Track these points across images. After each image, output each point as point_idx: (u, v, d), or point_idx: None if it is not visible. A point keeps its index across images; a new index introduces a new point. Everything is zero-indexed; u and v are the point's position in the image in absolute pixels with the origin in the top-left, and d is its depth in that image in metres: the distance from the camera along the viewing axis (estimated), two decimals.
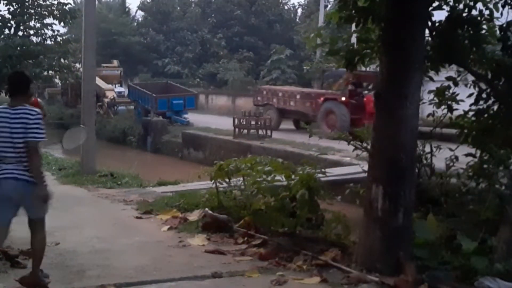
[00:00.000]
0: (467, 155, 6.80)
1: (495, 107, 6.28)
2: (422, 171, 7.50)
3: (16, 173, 4.41)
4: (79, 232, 6.74)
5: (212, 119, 26.87)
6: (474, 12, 6.03)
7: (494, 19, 6.08)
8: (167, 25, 45.30)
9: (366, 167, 5.54)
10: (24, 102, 4.53)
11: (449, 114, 7.13)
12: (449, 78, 6.57)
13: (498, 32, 6.08)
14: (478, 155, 6.62)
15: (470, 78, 6.43)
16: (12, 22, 21.65)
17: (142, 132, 25.45)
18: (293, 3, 72.18)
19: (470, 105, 6.46)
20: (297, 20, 46.19)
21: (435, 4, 5.98)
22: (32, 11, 21.90)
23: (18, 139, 4.39)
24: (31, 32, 22.23)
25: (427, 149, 7.55)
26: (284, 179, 6.75)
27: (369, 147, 6.27)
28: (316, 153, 12.96)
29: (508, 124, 6.12)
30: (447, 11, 6.09)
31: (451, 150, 7.30)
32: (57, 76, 22.89)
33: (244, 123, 21.01)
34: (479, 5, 6.03)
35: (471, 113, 6.53)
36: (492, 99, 6.24)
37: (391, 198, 5.10)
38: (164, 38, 44.65)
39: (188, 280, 5.13)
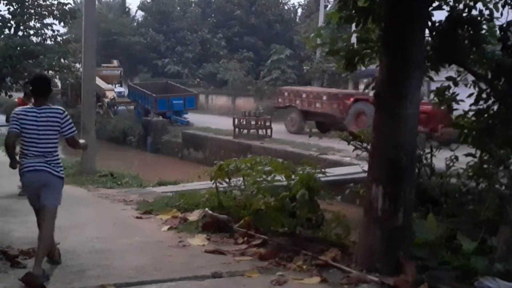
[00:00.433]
0: (467, 155, 6.80)
1: (495, 107, 6.28)
2: (422, 171, 7.50)
3: (42, 166, 5.03)
4: (79, 232, 6.74)
5: (212, 119, 26.88)
6: (474, 12, 6.03)
7: (494, 19, 6.08)
8: (167, 25, 45.27)
9: (366, 167, 5.54)
10: (47, 102, 5.19)
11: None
12: (449, 78, 6.57)
13: (498, 32, 6.08)
14: (478, 155, 6.62)
15: (470, 78, 6.43)
16: (12, 22, 21.59)
17: (142, 132, 25.48)
18: (293, 3, 72.39)
19: (470, 105, 6.45)
20: (297, 20, 46.16)
21: (435, 4, 5.99)
22: (32, 11, 21.84)
23: (44, 135, 5.04)
24: (31, 32, 22.16)
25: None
26: (284, 179, 6.75)
27: (369, 147, 6.28)
28: (316, 153, 12.98)
29: (508, 124, 6.12)
30: (447, 11, 6.09)
31: (451, 150, 7.31)
32: (57, 76, 22.81)
33: (244, 123, 21.02)
34: (479, 5, 6.04)
35: (471, 113, 6.53)
36: (492, 99, 6.24)
37: (391, 198, 5.10)
38: (164, 38, 44.62)
39: (188, 280, 5.12)
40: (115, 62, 35.58)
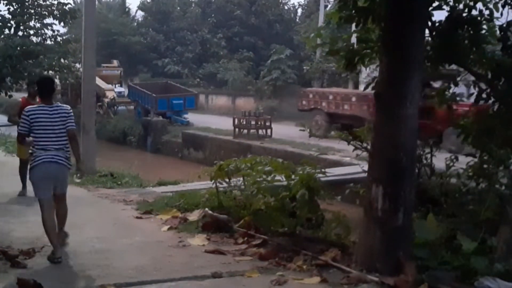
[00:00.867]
0: (467, 155, 6.80)
1: (495, 107, 6.28)
2: (422, 171, 7.50)
3: (57, 158, 5.63)
4: (79, 232, 6.73)
5: (212, 119, 26.89)
6: (474, 12, 6.04)
7: (494, 19, 6.08)
8: (167, 25, 45.25)
9: (366, 167, 5.54)
10: (53, 100, 5.82)
11: None
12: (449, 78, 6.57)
13: (498, 32, 6.08)
14: (478, 155, 6.62)
15: (470, 78, 6.43)
16: (12, 22, 21.62)
17: (142, 132, 25.48)
18: (293, 3, 72.29)
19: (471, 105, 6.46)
20: (297, 20, 46.10)
21: (435, 4, 5.99)
22: (32, 11, 21.87)
23: (59, 130, 5.65)
24: (31, 32, 22.19)
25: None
26: (284, 179, 6.75)
27: (369, 147, 6.28)
28: (316, 153, 12.98)
29: (508, 124, 6.12)
30: (447, 11, 6.10)
31: (450, 150, 7.30)
32: (57, 76, 22.81)
33: (244, 123, 21.03)
34: (479, 5, 6.04)
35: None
36: (492, 99, 6.24)
37: (391, 198, 5.10)
38: (164, 38, 44.59)
39: (188, 280, 5.12)
40: (115, 62, 35.56)
